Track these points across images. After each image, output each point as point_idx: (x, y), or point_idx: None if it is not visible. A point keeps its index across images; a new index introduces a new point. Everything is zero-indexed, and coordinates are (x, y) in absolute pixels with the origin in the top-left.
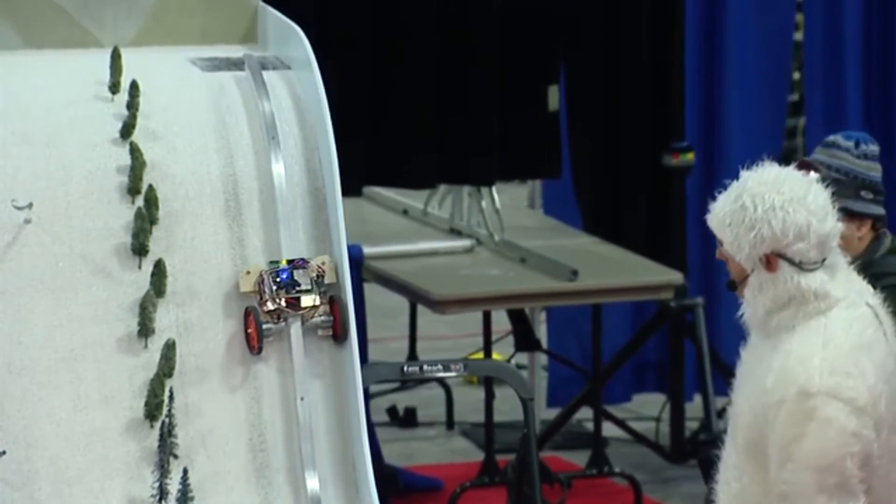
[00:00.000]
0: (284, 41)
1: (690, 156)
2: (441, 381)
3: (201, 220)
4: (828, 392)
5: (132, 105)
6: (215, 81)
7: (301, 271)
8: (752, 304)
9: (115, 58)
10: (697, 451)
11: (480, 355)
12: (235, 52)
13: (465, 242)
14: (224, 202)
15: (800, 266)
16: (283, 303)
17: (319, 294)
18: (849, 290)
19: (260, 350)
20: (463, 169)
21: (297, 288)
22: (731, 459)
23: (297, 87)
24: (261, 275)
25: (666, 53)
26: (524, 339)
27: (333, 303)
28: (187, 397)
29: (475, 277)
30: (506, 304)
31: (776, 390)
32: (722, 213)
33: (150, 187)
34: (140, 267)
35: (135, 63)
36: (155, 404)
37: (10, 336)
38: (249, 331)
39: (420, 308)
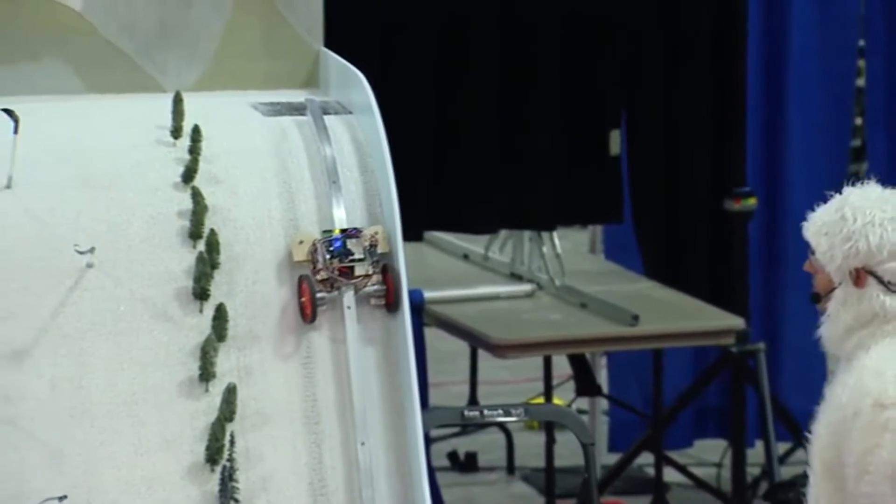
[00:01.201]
0: (346, 86)
1: (752, 201)
2: (502, 426)
3: (262, 265)
4: None
5: (194, 150)
6: (277, 126)
7: (354, 240)
8: (834, 319)
9: (177, 102)
10: (775, 493)
11: (541, 400)
12: (297, 96)
13: (525, 287)
14: (285, 246)
15: (888, 286)
16: (336, 272)
17: (372, 263)
18: None
19: (313, 318)
20: (524, 214)
21: (351, 257)
22: (810, 490)
23: (359, 131)
24: (314, 244)
25: (727, 98)
26: (585, 383)
27: (386, 272)
28: (248, 442)
29: (536, 322)
30: (566, 349)
31: (851, 404)
32: (820, 221)
33: (212, 231)
34: (201, 311)
35: (197, 108)
36: (216, 449)
37: (72, 380)
38: (303, 299)
39: (481, 353)
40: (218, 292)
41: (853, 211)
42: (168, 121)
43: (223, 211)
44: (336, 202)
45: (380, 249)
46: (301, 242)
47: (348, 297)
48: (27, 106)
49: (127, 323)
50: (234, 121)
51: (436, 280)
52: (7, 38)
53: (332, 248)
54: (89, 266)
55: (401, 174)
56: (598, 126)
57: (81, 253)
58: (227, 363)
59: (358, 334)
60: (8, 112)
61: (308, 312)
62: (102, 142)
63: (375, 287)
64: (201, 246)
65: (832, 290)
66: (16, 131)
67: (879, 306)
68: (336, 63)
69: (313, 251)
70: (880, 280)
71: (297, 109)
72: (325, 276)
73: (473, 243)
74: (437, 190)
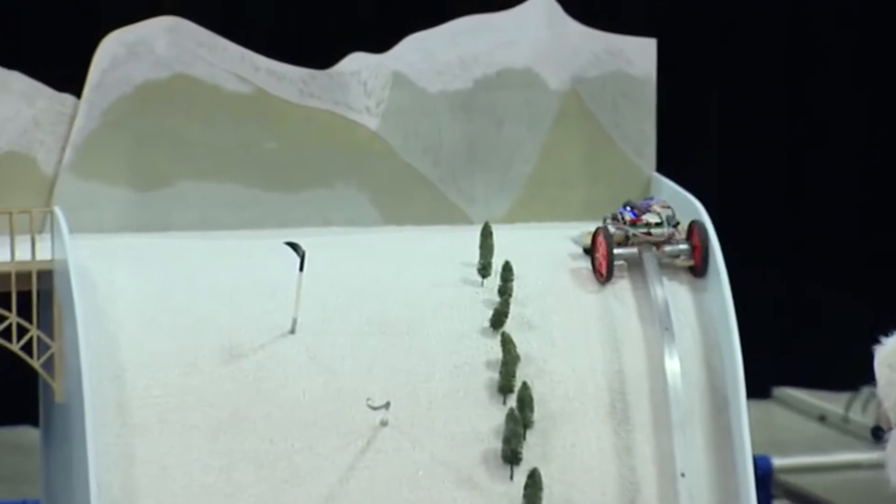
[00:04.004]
0: (681, 216)
1: None
2: None
3: (583, 424)
4: None
5: (505, 290)
6: None
7: (647, 213)
8: (891, 462)
9: (486, 235)
10: None
11: None
12: None
13: None
14: (609, 403)
15: None
16: (634, 230)
17: (673, 226)
18: None
19: (609, 277)
20: None
21: (647, 220)
22: None
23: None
24: (604, 221)
25: None
26: None
27: (693, 228)
28: None
29: None
30: None
31: None
32: (888, 349)
33: (524, 385)
34: (512, 477)
35: (508, 241)
36: None
37: None
38: (597, 254)
39: None
40: (531, 455)
41: None
42: (475, 257)
43: (538, 361)
44: (668, 352)
45: (681, 235)
46: (590, 233)
47: (648, 257)
48: (315, 239)
49: (426, 490)
50: (550, 257)
51: (786, 444)
52: (295, 162)
53: (622, 217)
54: (383, 424)
55: (746, 322)
56: None
57: (375, 408)
58: None
59: (662, 299)
60: (293, 246)
61: (602, 271)
62: (400, 281)
63: (681, 246)
64: (512, 401)
65: (891, 428)
66: (302, 268)
67: None
68: (670, 189)
69: (603, 228)
70: None
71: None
72: (620, 235)
73: (831, 402)
74: (790, 338)
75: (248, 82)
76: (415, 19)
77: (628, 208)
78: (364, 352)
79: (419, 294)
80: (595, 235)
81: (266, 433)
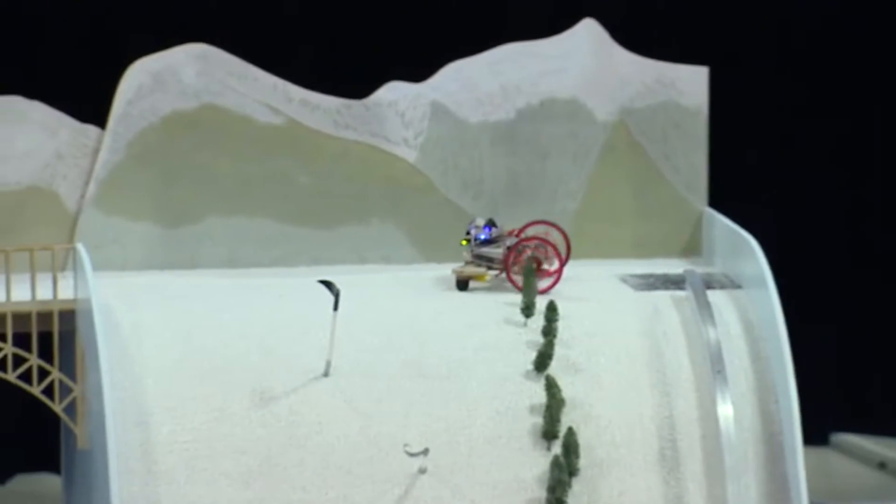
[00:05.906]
0: (734, 254)
1: None
2: None
3: (631, 472)
4: None
5: (549, 331)
6: (649, 303)
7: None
8: None
9: (530, 274)
10: None
11: None
12: (674, 267)
13: None
14: (659, 450)
15: None
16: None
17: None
18: None
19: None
20: None
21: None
22: None
23: (750, 310)
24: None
25: None
26: None
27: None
28: None
29: None
30: None
31: None
32: None
33: (570, 431)
34: None
35: None
36: None
37: None
38: (543, 263)
39: None
40: None
41: None
42: (518, 296)
43: (584, 406)
44: (721, 397)
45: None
46: (465, 263)
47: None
48: (351, 277)
49: None
50: (597, 296)
51: (844, 493)
52: (329, 197)
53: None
54: (422, 471)
55: (802, 365)
56: None
57: (413, 455)
58: None
59: (715, 341)
60: (327, 285)
61: (558, 278)
62: (440, 321)
63: (528, 251)
64: (557, 448)
65: None
66: (336, 308)
67: None
68: (723, 226)
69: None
70: None
71: (673, 283)
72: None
73: (892, 449)
74: (852, 384)
75: (281, 113)
76: (454, 47)
77: (489, 227)
78: (401, 396)
79: (459, 335)
80: (513, 248)
81: (299, 481)
